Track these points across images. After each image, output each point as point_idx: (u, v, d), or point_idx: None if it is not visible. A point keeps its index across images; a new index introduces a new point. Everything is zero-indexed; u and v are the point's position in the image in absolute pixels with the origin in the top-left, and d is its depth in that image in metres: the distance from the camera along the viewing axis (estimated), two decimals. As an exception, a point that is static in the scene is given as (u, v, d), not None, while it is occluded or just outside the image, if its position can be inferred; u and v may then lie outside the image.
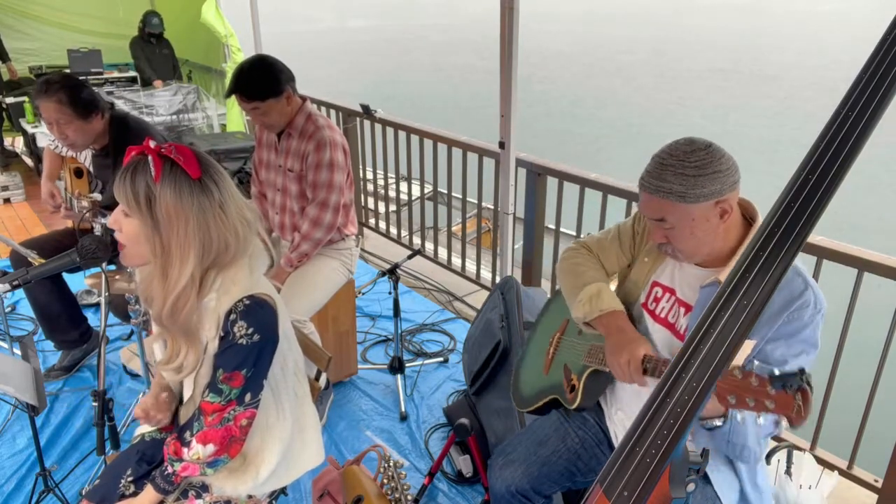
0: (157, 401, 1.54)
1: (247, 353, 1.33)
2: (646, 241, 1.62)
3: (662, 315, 1.54)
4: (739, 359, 1.35)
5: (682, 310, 1.50)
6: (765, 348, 1.38)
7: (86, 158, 2.78)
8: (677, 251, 1.42)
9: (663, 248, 1.45)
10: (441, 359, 3.18)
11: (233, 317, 1.32)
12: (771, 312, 1.35)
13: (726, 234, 1.41)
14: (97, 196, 2.67)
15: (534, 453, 1.65)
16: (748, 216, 1.45)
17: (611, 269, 1.71)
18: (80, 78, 2.68)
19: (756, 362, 1.36)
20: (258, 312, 1.33)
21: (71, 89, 2.45)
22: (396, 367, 2.91)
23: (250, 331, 1.32)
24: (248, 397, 1.38)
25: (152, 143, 1.30)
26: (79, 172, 2.75)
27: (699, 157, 1.34)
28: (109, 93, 5.96)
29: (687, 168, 1.34)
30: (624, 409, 1.64)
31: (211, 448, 1.38)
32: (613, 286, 1.68)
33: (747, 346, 1.32)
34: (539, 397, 1.78)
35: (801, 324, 1.37)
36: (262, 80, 2.37)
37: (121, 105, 5.74)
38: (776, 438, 2.46)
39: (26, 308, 3.17)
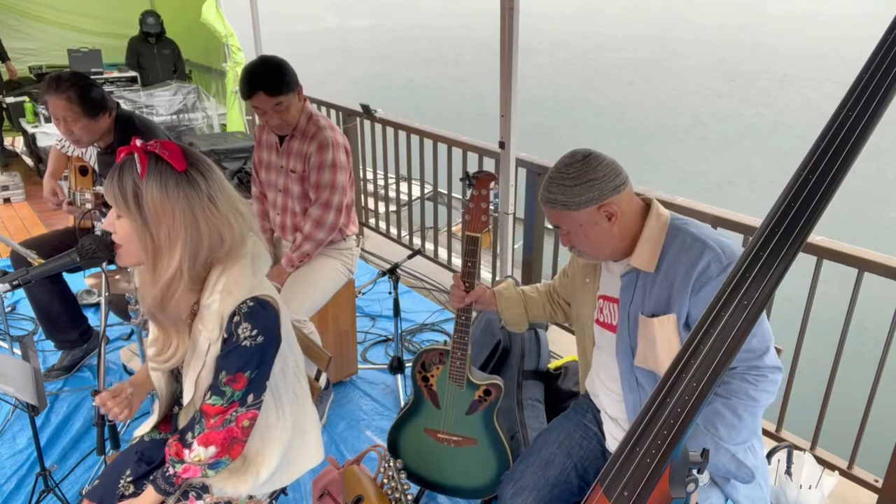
0: (118, 395, 1.51)
1: (250, 354, 1.33)
2: (575, 266, 1.77)
3: (607, 321, 1.63)
4: (665, 334, 1.45)
5: (617, 305, 1.59)
6: (692, 319, 1.44)
7: (91, 157, 2.78)
8: (581, 253, 1.56)
9: (573, 252, 1.59)
10: (441, 359, 3.18)
11: (236, 319, 1.32)
12: (676, 285, 1.44)
13: (622, 234, 1.50)
14: (100, 188, 2.68)
15: (542, 477, 1.64)
16: (646, 203, 1.54)
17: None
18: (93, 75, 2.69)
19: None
20: (262, 314, 1.33)
21: (81, 88, 2.46)
22: (396, 367, 2.91)
23: (254, 332, 1.32)
24: (250, 398, 1.38)
25: (139, 142, 1.30)
26: (83, 171, 2.76)
27: (575, 169, 1.46)
28: (109, 93, 5.95)
29: (565, 179, 1.47)
30: (606, 411, 1.69)
31: (212, 450, 1.38)
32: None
33: (668, 322, 1.44)
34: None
35: (713, 287, 1.39)
36: (280, 75, 2.38)
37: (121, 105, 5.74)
38: (776, 438, 2.46)
39: (26, 308, 3.17)
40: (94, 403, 1.51)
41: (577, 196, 1.45)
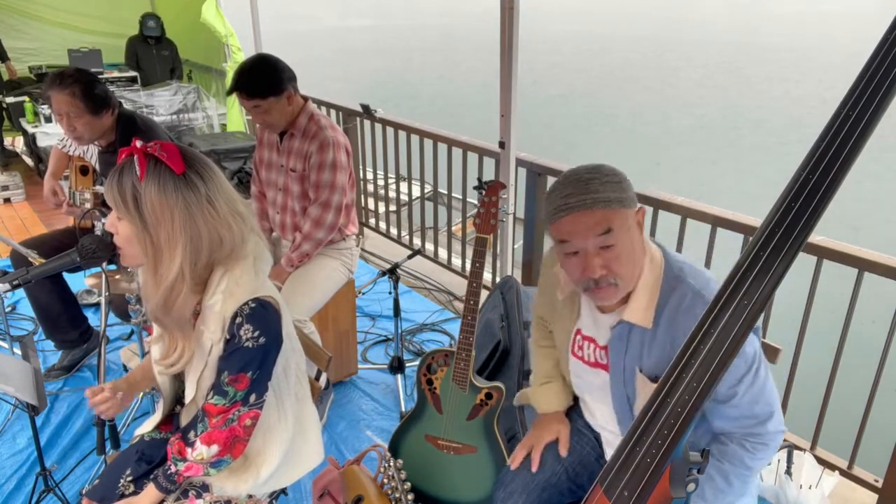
0: (104, 393, 1.52)
1: (252, 355, 1.33)
2: (558, 292, 1.56)
3: (591, 360, 1.52)
4: (643, 397, 1.34)
5: (604, 353, 1.49)
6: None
7: (92, 156, 2.79)
8: (617, 278, 1.31)
9: (594, 286, 1.32)
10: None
11: (238, 320, 1.32)
12: (679, 346, 1.27)
13: (641, 248, 1.35)
14: (99, 188, 2.68)
15: (531, 480, 1.61)
16: None
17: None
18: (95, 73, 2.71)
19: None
20: (263, 315, 1.33)
21: (85, 84, 2.47)
22: (396, 366, 2.91)
23: (256, 333, 1.32)
24: (252, 398, 1.38)
25: (139, 143, 1.30)
26: (84, 170, 2.76)
27: (607, 169, 1.32)
28: (111, 91, 5.96)
29: (608, 177, 1.30)
30: (595, 416, 1.64)
31: (215, 449, 1.38)
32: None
33: (648, 389, 1.31)
34: None
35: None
36: (263, 78, 2.37)
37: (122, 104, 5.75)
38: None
39: (26, 308, 3.17)
40: (85, 394, 1.52)
41: (628, 191, 1.30)
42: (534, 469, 1.61)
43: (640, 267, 1.34)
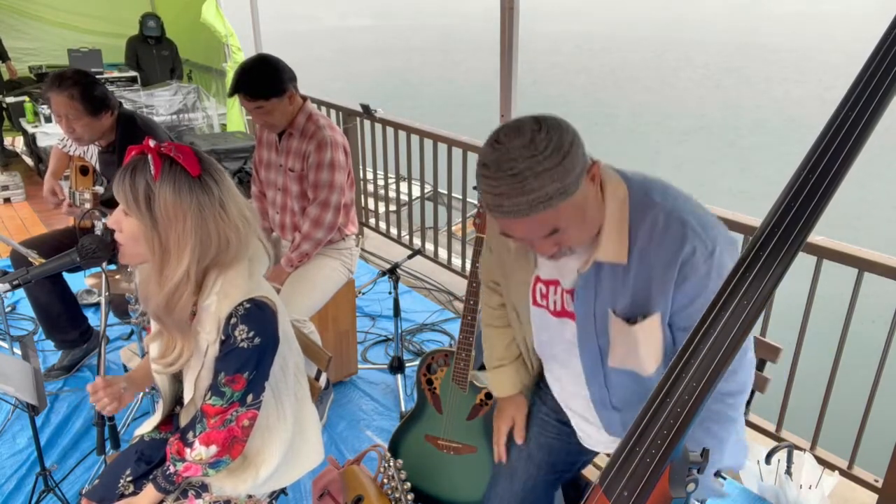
0: (111, 386, 1.51)
1: (248, 356, 1.33)
2: (510, 244, 1.40)
3: (557, 308, 1.37)
4: (649, 337, 1.25)
5: (565, 293, 1.35)
6: (679, 318, 1.24)
7: (92, 156, 2.79)
8: (573, 248, 1.21)
9: (553, 257, 1.22)
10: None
11: (233, 320, 1.32)
12: (657, 277, 1.19)
13: (598, 201, 1.20)
14: (99, 189, 2.68)
15: (510, 491, 1.59)
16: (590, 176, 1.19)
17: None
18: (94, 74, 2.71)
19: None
20: (258, 315, 1.33)
21: (84, 86, 2.47)
22: (396, 366, 2.91)
23: (251, 334, 1.32)
24: (250, 398, 1.38)
25: (152, 142, 1.30)
26: (84, 170, 2.76)
27: (546, 139, 1.07)
28: (111, 92, 5.96)
29: (546, 160, 1.06)
30: (570, 406, 1.52)
31: (213, 449, 1.38)
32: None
33: (653, 324, 1.23)
34: None
35: (700, 276, 1.18)
36: (265, 79, 2.37)
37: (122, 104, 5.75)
38: (776, 438, 2.47)
39: (26, 308, 3.17)
40: (87, 389, 1.51)
41: (573, 169, 1.08)
42: (503, 459, 1.62)
43: (599, 218, 1.20)
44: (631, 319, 1.25)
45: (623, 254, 1.21)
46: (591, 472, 1.91)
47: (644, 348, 1.26)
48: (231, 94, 2.41)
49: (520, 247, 1.37)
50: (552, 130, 1.08)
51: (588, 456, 1.64)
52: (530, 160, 1.06)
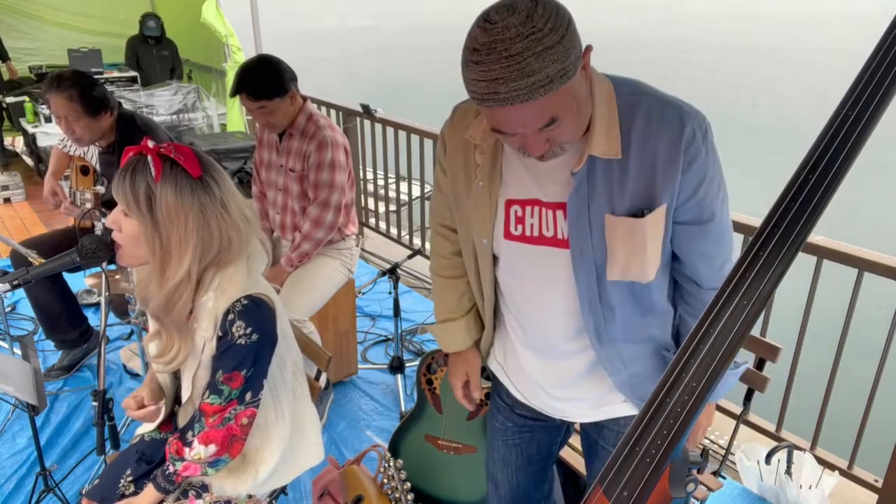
0: (152, 392, 1.55)
1: (245, 353, 1.33)
2: (468, 164, 1.27)
3: (535, 234, 1.22)
4: (655, 233, 1.15)
5: (554, 213, 1.19)
6: (685, 210, 1.15)
7: (93, 157, 2.79)
8: (564, 145, 1.09)
9: (543, 157, 1.10)
10: (441, 359, 3.18)
11: (231, 317, 1.32)
12: (660, 166, 1.11)
13: (587, 93, 1.10)
14: (100, 189, 2.68)
15: (498, 498, 1.60)
16: None
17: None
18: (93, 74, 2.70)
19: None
20: (256, 312, 1.33)
21: (83, 87, 2.47)
22: (396, 366, 2.91)
23: (248, 331, 1.32)
24: (248, 396, 1.38)
25: (151, 143, 1.30)
26: (85, 170, 2.76)
27: (544, 16, 0.95)
28: (110, 92, 5.97)
29: (545, 38, 0.94)
30: (535, 335, 1.34)
31: (212, 448, 1.38)
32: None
33: (659, 216, 1.14)
34: None
35: (701, 158, 1.12)
36: (267, 79, 2.37)
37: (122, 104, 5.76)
38: (776, 438, 2.47)
39: (26, 308, 3.17)
40: (124, 405, 1.53)
41: (572, 51, 0.97)
42: (470, 407, 1.55)
43: (588, 115, 1.10)
44: (638, 214, 1.14)
45: (616, 147, 1.11)
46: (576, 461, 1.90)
47: (651, 245, 1.16)
48: (233, 95, 2.41)
49: (485, 164, 1.23)
50: (549, 6, 0.97)
51: (562, 430, 1.56)
52: (528, 39, 0.94)
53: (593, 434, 1.45)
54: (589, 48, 1.05)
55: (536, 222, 1.21)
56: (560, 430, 1.55)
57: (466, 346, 1.50)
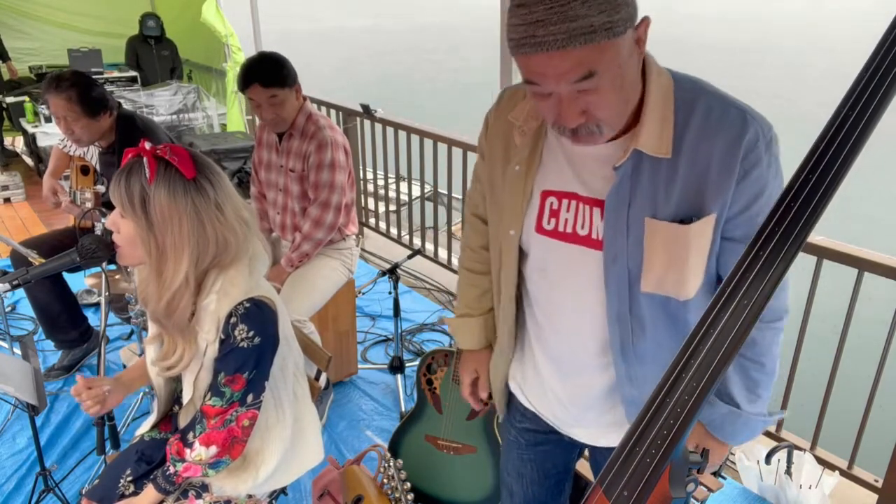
0: (94, 387, 1.47)
1: (247, 355, 1.33)
2: (508, 147, 1.20)
3: (569, 230, 1.13)
4: (700, 243, 1.05)
5: (591, 210, 1.11)
6: (736, 225, 1.06)
7: (92, 157, 2.79)
8: (601, 124, 1.00)
9: (571, 135, 1.01)
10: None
11: (233, 320, 1.32)
12: (714, 171, 1.02)
13: (637, 76, 1.02)
14: (100, 188, 2.68)
15: None
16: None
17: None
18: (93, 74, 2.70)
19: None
20: (258, 315, 1.33)
21: (82, 87, 2.47)
22: (397, 366, 2.91)
23: (251, 333, 1.32)
24: (250, 398, 1.38)
25: (148, 145, 1.30)
26: (85, 170, 2.76)
27: None
28: (110, 92, 5.97)
29: None
30: (557, 342, 1.26)
31: (213, 450, 1.38)
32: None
33: (706, 226, 1.04)
34: None
35: (762, 168, 1.02)
36: (278, 69, 2.40)
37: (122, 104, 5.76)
38: (776, 438, 2.47)
39: (26, 308, 3.17)
40: (71, 392, 1.48)
41: (623, 8, 0.91)
42: (475, 405, 1.50)
43: (634, 99, 1.03)
44: (685, 220, 1.04)
45: (667, 146, 1.02)
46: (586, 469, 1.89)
47: (694, 258, 1.06)
48: (243, 88, 2.40)
49: (524, 145, 1.15)
50: None
51: (576, 447, 1.50)
52: None
53: (600, 459, 1.39)
54: (647, 20, 0.98)
55: (572, 218, 1.13)
56: (575, 447, 1.47)
57: (481, 346, 1.45)
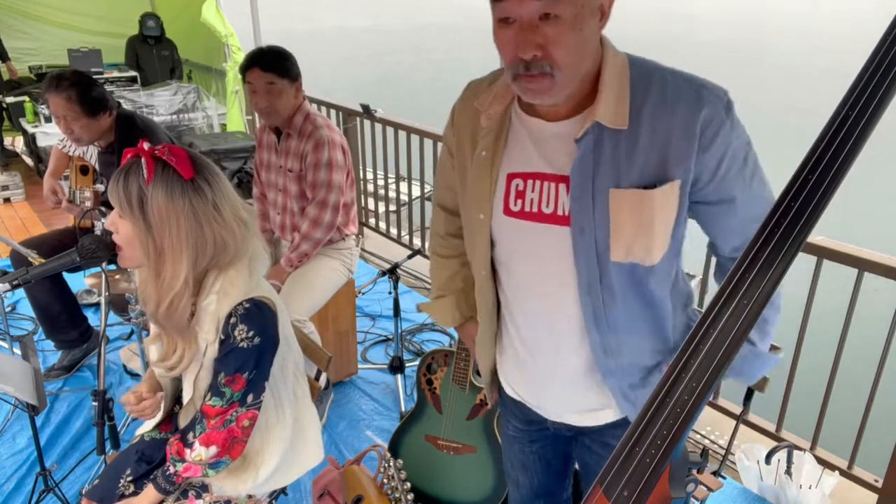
0: (150, 400, 1.55)
1: (247, 355, 1.33)
2: (475, 134, 1.23)
3: (535, 210, 1.16)
4: (665, 209, 1.10)
5: (556, 186, 1.14)
6: (711, 190, 1.11)
7: (92, 157, 2.79)
8: (554, 66, 1.02)
9: (524, 72, 1.04)
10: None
11: (233, 320, 1.32)
12: (674, 142, 1.06)
13: (596, 47, 1.07)
14: (100, 187, 2.69)
15: (520, 500, 1.59)
16: None
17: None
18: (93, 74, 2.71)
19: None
20: (258, 315, 1.33)
21: (81, 87, 2.47)
22: (397, 366, 2.91)
23: (251, 334, 1.32)
24: (250, 398, 1.38)
25: (146, 145, 1.30)
26: (84, 170, 2.77)
27: None
28: (110, 92, 5.97)
29: None
30: (532, 325, 1.29)
31: (213, 450, 1.38)
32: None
33: (671, 192, 1.08)
34: None
35: (726, 133, 1.07)
36: (281, 58, 2.42)
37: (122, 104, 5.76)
38: (776, 438, 2.47)
39: (26, 308, 3.17)
40: (121, 401, 1.53)
41: None
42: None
43: (588, 64, 1.07)
44: (649, 186, 1.08)
45: (623, 117, 1.07)
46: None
47: (659, 223, 1.10)
48: (244, 71, 2.41)
49: (490, 131, 1.19)
50: None
51: (572, 437, 1.50)
52: None
53: (589, 443, 1.40)
54: (604, 13, 1.06)
55: (537, 197, 1.16)
56: (571, 436, 1.48)
57: (457, 322, 1.51)
